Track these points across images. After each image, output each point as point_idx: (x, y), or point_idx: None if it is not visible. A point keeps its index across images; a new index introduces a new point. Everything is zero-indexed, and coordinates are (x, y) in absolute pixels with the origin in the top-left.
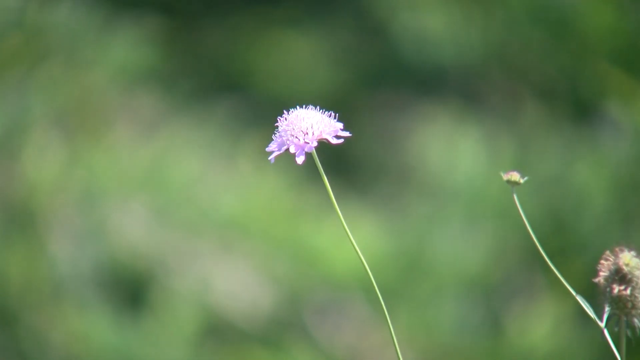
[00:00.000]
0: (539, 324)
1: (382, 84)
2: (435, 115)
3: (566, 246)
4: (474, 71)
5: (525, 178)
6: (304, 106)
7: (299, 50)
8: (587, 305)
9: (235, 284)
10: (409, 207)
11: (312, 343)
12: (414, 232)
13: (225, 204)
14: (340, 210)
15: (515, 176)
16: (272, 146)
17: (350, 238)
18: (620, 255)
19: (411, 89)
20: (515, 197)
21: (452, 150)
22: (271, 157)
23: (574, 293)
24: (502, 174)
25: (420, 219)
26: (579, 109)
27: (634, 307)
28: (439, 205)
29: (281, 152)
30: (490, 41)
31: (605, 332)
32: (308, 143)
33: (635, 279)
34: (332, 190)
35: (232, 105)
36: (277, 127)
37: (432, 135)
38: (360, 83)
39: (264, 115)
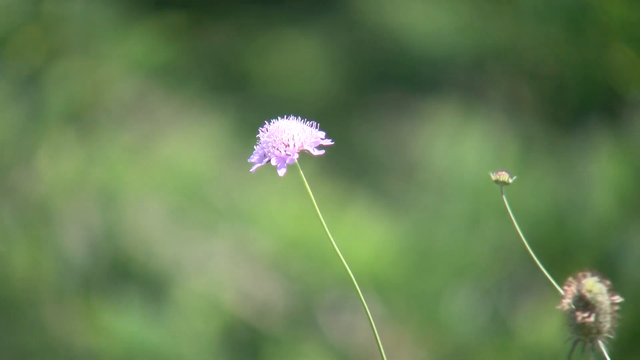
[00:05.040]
0: (547, 320)
1: (387, 81)
2: (440, 111)
3: (571, 244)
4: (479, 66)
5: (514, 177)
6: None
7: (306, 50)
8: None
9: (250, 283)
10: (415, 204)
11: (325, 341)
12: (420, 229)
13: (239, 202)
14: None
15: (504, 176)
16: (254, 157)
17: (331, 240)
18: (583, 281)
19: (415, 86)
20: (504, 197)
21: (457, 147)
22: (253, 168)
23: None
24: (490, 174)
25: (427, 216)
26: (590, 101)
27: (598, 332)
28: (444, 201)
29: (262, 164)
30: (497, 36)
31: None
32: (289, 155)
33: (598, 304)
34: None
35: (245, 102)
36: (258, 138)
37: (437, 132)
38: (366, 81)
39: (274, 114)
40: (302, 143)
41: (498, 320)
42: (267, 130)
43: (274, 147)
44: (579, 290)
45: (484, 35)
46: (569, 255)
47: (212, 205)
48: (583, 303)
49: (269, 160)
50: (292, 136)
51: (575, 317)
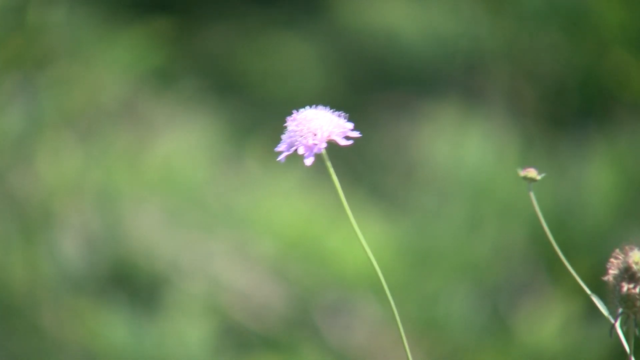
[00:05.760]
0: (547, 321)
1: (386, 81)
2: (440, 111)
3: (572, 244)
4: (479, 67)
5: (543, 174)
6: (312, 106)
7: (302, 51)
8: (601, 303)
9: (247, 285)
10: (414, 204)
11: (323, 343)
12: (420, 229)
13: (237, 205)
14: (348, 208)
15: (532, 172)
16: (282, 146)
17: (361, 240)
18: (630, 254)
19: (415, 86)
20: (532, 194)
21: (457, 147)
22: (281, 157)
23: (588, 292)
24: (519, 170)
25: (427, 216)
26: (589, 104)
27: None
28: (444, 201)
29: (290, 152)
30: (499, 36)
31: (618, 329)
32: (317, 144)
33: None
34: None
35: (240, 105)
36: (286, 127)
37: (437, 132)
38: (366, 81)
39: (269, 116)
40: (330, 133)
41: (498, 320)
42: (294, 119)
43: (302, 136)
44: (626, 262)
45: (484, 36)
46: (568, 256)
47: (209, 208)
48: (629, 274)
49: (296, 149)
50: (320, 125)
51: (620, 288)
